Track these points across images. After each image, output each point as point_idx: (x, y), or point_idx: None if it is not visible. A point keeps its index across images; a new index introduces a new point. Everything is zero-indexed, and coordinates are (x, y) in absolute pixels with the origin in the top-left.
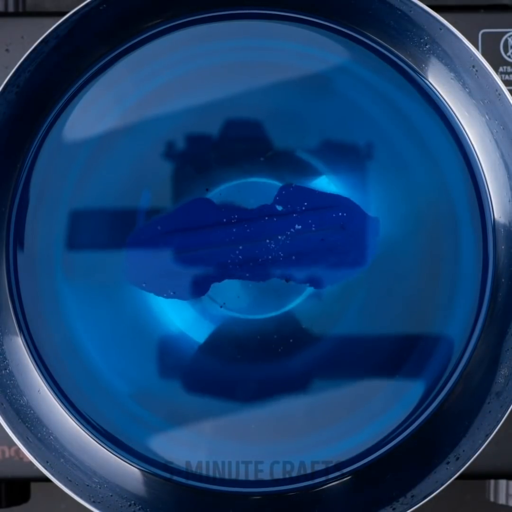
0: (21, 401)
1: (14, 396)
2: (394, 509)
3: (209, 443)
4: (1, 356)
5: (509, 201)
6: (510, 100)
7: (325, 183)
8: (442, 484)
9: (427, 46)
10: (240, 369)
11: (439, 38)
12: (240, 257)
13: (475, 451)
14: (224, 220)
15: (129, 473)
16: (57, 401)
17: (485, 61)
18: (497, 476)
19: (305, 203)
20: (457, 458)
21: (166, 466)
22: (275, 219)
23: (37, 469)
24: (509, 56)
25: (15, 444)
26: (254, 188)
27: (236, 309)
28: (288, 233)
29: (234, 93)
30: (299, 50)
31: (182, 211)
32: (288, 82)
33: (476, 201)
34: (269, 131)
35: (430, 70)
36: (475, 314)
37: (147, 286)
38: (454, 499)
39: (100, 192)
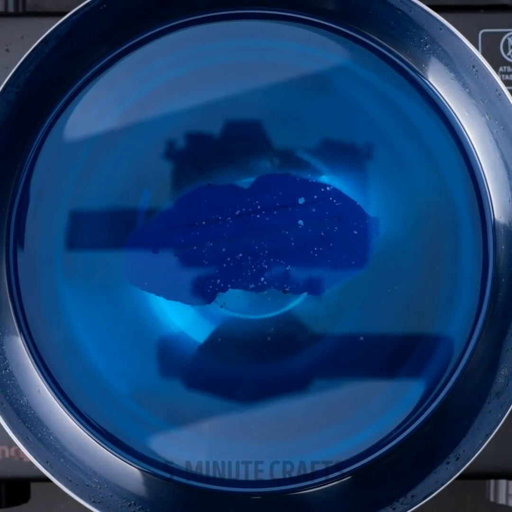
0: (21, 401)
1: (14, 396)
2: (394, 509)
3: (209, 443)
4: (1, 356)
5: (509, 201)
6: (510, 100)
7: (325, 182)
8: (442, 484)
9: (427, 46)
10: (240, 369)
11: (439, 38)
12: (240, 255)
13: (475, 451)
14: (221, 217)
15: (129, 473)
16: (57, 401)
17: (485, 61)
18: (497, 476)
19: (305, 198)
20: (457, 458)
21: (166, 466)
22: (275, 212)
23: (37, 469)
24: (509, 56)
25: (15, 444)
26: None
27: (236, 309)
28: (287, 228)
29: (234, 93)
30: (299, 50)
31: (183, 203)
32: (288, 82)
33: (476, 201)
34: (269, 131)
35: (430, 70)
36: (475, 314)
37: (147, 286)
38: (454, 499)
39: (100, 192)
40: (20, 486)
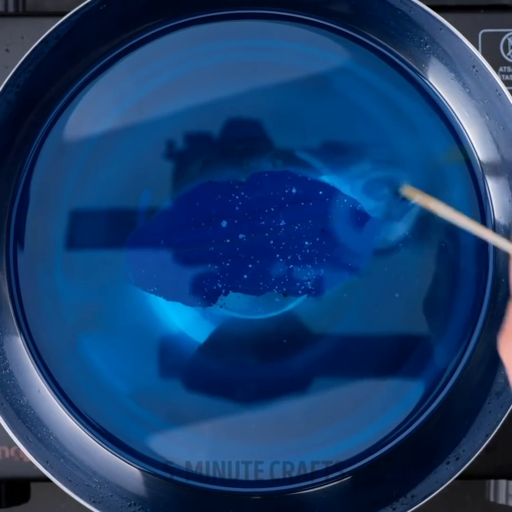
0: (21, 401)
1: (14, 396)
2: (394, 509)
3: (209, 443)
4: (1, 356)
5: (509, 201)
6: (510, 100)
7: (325, 182)
8: (442, 484)
9: (427, 46)
10: (240, 369)
11: (439, 38)
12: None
13: (475, 451)
14: (221, 216)
15: (129, 473)
16: (57, 401)
17: (485, 61)
18: (497, 476)
19: (304, 197)
20: (457, 458)
21: (166, 466)
22: (274, 212)
23: (37, 469)
24: (509, 56)
25: (15, 444)
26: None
27: (236, 310)
28: (287, 228)
29: (234, 93)
30: (299, 50)
31: (184, 201)
32: (288, 82)
33: (476, 201)
34: (269, 131)
35: (430, 70)
36: (475, 314)
37: (148, 287)
38: (454, 499)
39: (100, 192)
40: (20, 486)
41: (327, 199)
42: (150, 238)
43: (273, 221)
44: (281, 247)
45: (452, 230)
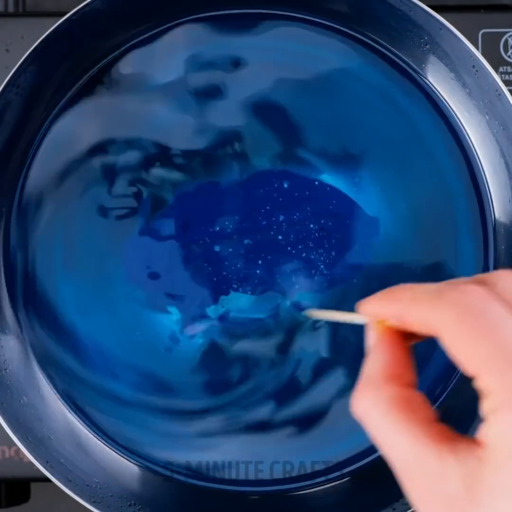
0: (21, 401)
1: (14, 396)
2: (394, 509)
3: (209, 443)
4: (1, 357)
5: (509, 201)
6: (510, 100)
7: (325, 181)
8: None
9: (427, 46)
10: (240, 370)
11: (439, 38)
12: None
13: None
14: (222, 216)
15: (129, 473)
16: (57, 401)
17: (485, 61)
18: None
19: (304, 197)
20: None
21: (166, 466)
22: (271, 211)
23: (37, 469)
24: (509, 56)
25: (15, 444)
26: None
27: (236, 309)
28: (286, 228)
29: (234, 93)
30: (299, 50)
31: (184, 200)
32: (288, 82)
33: (476, 201)
34: (270, 130)
35: (430, 70)
36: None
37: (147, 288)
38: None
39: (101, 191)
40: (20, 486)
41: (327, 199)
42: (151, 238)
43: (273, 222)
44: (281, 249)
45: (452, 230)
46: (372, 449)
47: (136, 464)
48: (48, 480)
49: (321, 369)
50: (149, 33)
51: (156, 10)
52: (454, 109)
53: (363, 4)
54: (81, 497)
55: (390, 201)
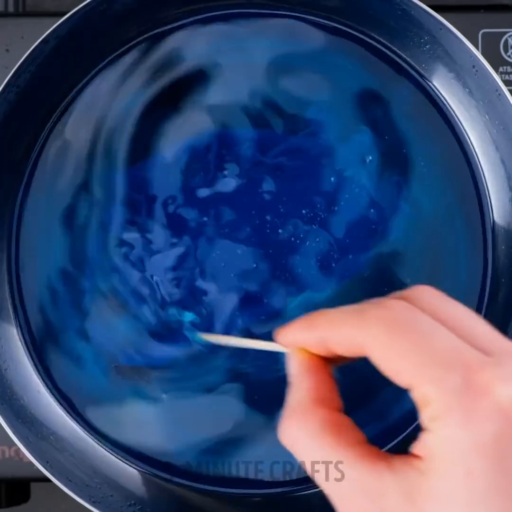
0: (21, 401)
1: (14, 396)
2: None
3: (209, 443)
4: (1, 356)
5: (509, 201)
6: (510, 100)
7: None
8: None
9: (427, 46)
10: (240, 371)
11: (439, 38)
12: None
13: None
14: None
15: (129, 473)
16: (57, 401)
17: (485, 61)
18: None
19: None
20: None
21: (166, 466)
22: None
23: (37, 469)
24: (509, 56)
25: (15, 444)
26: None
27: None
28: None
29: (235, 94)
30: (299, 50)
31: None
32: (288, 82)
33: (476, 201)
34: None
35: (430, 70)
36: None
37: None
38: None
39: (101, 191)
40: (20, 486)
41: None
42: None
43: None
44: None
45: (452, 229)
46: None
47: (136, 465)
48: (48, 480)
49: None
50: (150, 33)
51: (156, 10)
52: (455, 109)
53: (364, 4)
54: (81, 497)
55: (390, 200)
